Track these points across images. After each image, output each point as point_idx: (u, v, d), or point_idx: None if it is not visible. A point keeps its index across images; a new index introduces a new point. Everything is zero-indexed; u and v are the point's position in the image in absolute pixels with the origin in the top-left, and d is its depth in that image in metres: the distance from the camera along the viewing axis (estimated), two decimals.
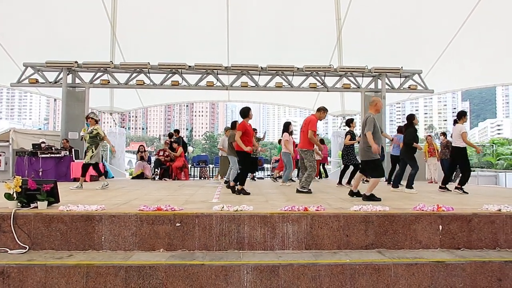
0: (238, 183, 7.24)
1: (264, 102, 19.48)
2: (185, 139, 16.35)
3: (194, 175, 14.63)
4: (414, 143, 7.71)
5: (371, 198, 5.93)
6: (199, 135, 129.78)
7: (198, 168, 14.51)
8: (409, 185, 7.70)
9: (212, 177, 14.68)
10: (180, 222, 4.27)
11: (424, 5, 13.15)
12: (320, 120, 7.61)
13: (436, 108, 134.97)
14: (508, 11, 12.62)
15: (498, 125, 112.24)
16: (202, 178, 13.82)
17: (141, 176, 12.97)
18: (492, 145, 28.67)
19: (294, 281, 3.78)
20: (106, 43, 14.16)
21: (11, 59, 13.75)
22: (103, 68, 12.99)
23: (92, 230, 4.23)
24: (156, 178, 12.24)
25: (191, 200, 5.98)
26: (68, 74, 12.92)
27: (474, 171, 17.36)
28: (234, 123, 8.99)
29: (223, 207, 4.57)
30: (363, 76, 13.65)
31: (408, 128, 7.96)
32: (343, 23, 13.80)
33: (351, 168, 9.43)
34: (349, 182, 9.35)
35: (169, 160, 12.45)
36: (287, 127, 9.71)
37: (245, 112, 7.31)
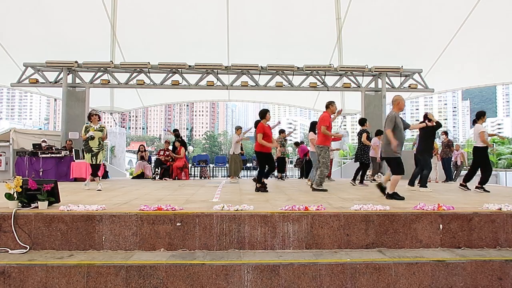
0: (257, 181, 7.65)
1: (265, 102, 19.46)
2: (186, 139, 16.33)
3: (194, 174, 14.62)
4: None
5: (394, 196, 5.99)
6: (199, 135, 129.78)
7: (199, 168, 14.50)
8: (424, 185, 7.82)
9: (212, 177, 14.69)
10: (181, 222, 4.27)
11: (425, 4, 13.14)
12: (334, 113, 8.05)
13: (436, 107, 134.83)
14: (508, 10, 12.60)
15: (499, 124, 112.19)
16: (203, 178, 13.82)
17: (141, 176, 12.96)
18: (493, 144, 28.63)
19: (294, 281, 3.78)
20: (106, 43, 14.15)
21: (11, 59, 13.75)
22: (103, 68, 12.99)
23: (93, 230, 4.23)
24: (157, 178, 12.23)
25: (191, 199, 5.98)
26: (68, 74, 12.92)
27: None
28: (257, 122, 8.91)
29: (223, 207, 4.57)
30: (363, 75, 13.65)
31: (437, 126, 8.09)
32: (343, 22, 13.79)
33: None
34: (354, 180, 9.53)
35: (170, 160, 12.45)
36: (314, 126, 9.75)
37: (263, 114, 7.70)
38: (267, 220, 4.32)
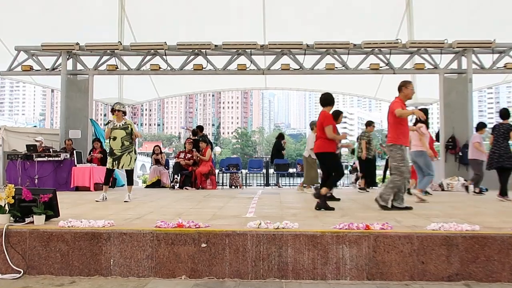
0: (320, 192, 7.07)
1: (311, 90, 19.36)
2: (211, 138, 16.48)
3: (223, 183, 14.73)
4: None
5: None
6: (228, 133, 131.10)
7: (228, 174, 14.59)
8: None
9: (245, 186, 14.76)
10: (207, 242, 4.31)
11: None
12: (410, 98, 7.25)
13: None
14: None
15: None
16: (233, 187, 13.91)
17: (157, 184, 13.20)
18: None
19: None
20: (113, 20, 14.49)
21: (0, 42, 14.31)
22: (110, 50, 13.32)
23: (99, 251, 4.35)
24: (176, 187, 12.41)
25: (219, 214, 6.04)
26: (68, 59, 13.30)
27: None
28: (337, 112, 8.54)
29: (260, 224, 4.57)
30: (441, 53, 13.29)
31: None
32: None
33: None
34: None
35: (192, 164, 12.56)
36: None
37: (326, 99, 7.28)
38: (316, 241, 4.29)
